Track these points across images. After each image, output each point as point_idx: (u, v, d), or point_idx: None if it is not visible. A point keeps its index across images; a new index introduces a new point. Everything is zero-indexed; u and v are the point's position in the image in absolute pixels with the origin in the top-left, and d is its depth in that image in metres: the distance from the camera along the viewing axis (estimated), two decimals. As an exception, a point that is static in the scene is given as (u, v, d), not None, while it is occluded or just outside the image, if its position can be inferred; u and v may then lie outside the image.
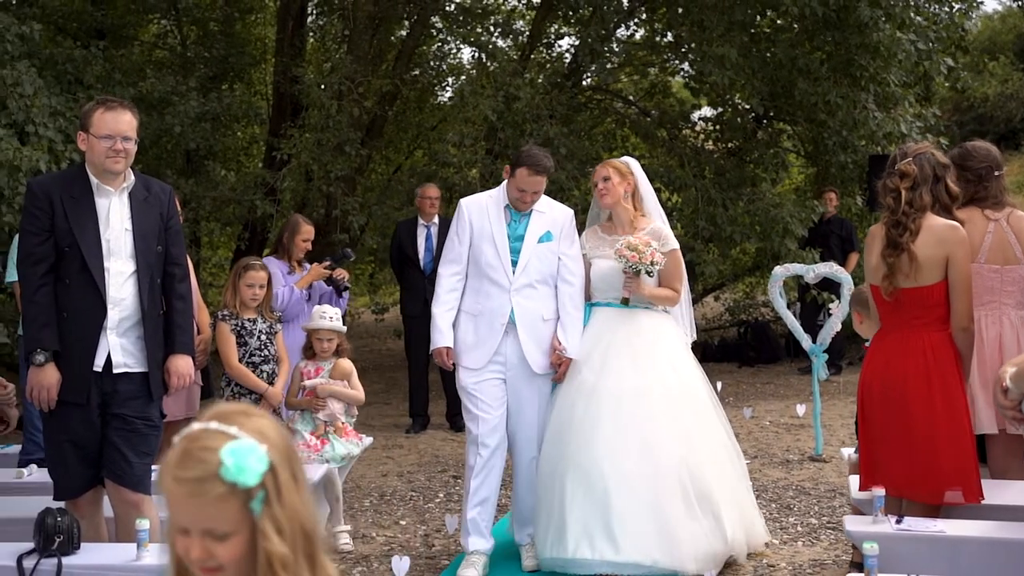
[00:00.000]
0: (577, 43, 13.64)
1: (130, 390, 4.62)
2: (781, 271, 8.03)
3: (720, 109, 14.08)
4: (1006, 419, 3.55)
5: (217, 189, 12.78)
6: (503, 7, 15.59)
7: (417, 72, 14.44)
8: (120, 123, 4.56)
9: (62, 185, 4.60)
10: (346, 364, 6.17)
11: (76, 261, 4.51)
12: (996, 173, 4.92)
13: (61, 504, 4.42)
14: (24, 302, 4.61)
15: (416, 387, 9.57)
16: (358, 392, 6.18)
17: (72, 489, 4.60)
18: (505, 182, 5.58)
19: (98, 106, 4.62)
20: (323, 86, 12.06)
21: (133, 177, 4.70)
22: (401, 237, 9.50)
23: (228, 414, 1.91)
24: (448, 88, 15.53)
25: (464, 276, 5.55)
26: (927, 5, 12.69)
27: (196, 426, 1.89)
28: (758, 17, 12.50)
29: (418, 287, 9.09)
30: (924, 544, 4.13)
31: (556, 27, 14.96)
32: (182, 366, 4.79)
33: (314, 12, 15.71)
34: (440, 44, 15.32)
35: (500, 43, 14.31)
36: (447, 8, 13.97)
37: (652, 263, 5.38)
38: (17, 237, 5.73)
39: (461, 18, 13.90)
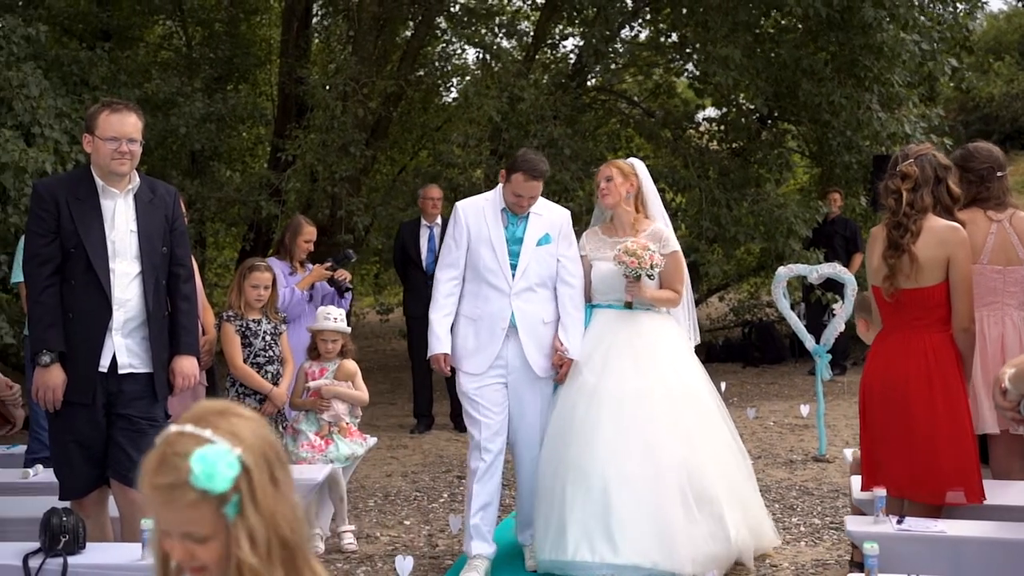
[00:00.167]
0: (581, 44, 13.65)
1: (135, 390, 4.65)
2: (785, 272, 8.04)
3: (724, 109, 14.06)
4: (1005, 420, 3.56)
5: (222, 190, 12.81)
6: (508, 8, 15.59)
7: (422, 73, 14.45)
8: (125, 125, 4.59)
9: (68, 187, 4.64)
10: (350, 365, 6.19)
11: (81, 262, 4.54)
12: (998, 174, 4.93)
13: (67, 504, 4.45)
14: (30, 303, 4.64)
15: (420, 387, 9.58)
16: (362, 393, 6.19)
17: (77, 489, 4.63)
18: (501, 185, 5.56)
19: (103, 108, 4.65)
20: (328, 87, 12.07)
21: (138, 179, 4.73)
22: (404, 238, 9.52)
23: (205, 416, 1.88)
24: (452, 89, 15.55)
25: (461, 280, 5.53)
26: (931, 5, 12.68)
27: (173, 428, 1.87)
28: (762, 18, 12.49)
29: (421, 287, 9.09)
30: (925, 544, 4.13)
31: (560, 28, 14.96)
32: (187, 367, 4.82)
33: (319, 13, 15.74)
34: (444, 45, 15.32)
35: (504, 44, 14.31)
36: (452, 9, 13.98)
37: (652, 266, 5.36)
38: (23, 238, 5.75)
39: (466, 19, 13.90)
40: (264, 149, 16.42)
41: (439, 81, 15.06)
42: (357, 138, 11.89)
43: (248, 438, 1.86)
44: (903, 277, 4.47)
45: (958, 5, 12.93)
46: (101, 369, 4.59)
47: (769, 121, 13.97)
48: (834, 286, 9.66)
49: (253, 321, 6.15)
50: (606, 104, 14.50)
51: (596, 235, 5.76)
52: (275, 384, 6.10)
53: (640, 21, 14.27)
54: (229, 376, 6.17)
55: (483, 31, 14.07)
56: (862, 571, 3.79)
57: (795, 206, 11.87)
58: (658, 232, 5.59)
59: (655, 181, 5.99)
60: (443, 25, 14.51)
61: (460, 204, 5.66)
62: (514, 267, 5.46)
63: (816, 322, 10.57)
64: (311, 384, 6.11)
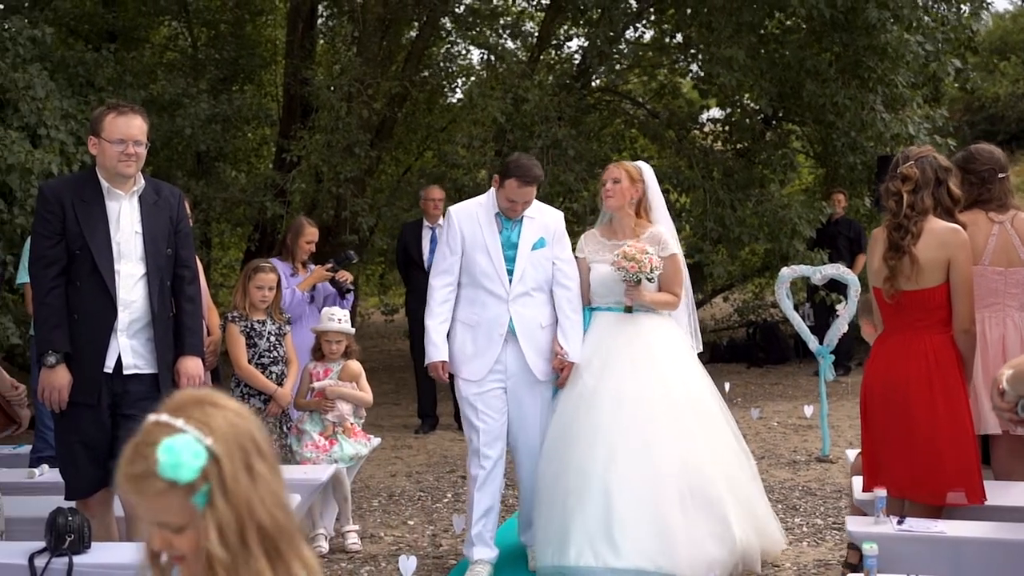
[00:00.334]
0: (586, 44, 13.66)
1: (140, 391, 4.67)
2: (788, 272, 8.05)
3: (728, 110, 14.09)
4: (1002, 421, 3.57)
5: (227, 190, 12.84)
6: (512, 9, 15.61)
7: (426, 74, 14.46)
8: (132, 127, 4.63)
9: (73, 189, 4.67)
10: (355, 366, 6.21)
11: (87, 264, 4.57)
12: (1000, 176, 4.93)
13: (72, 504, 4.47)
14: (36, 304, 4.67)
15: (424, 388, 9.59)
16: (366, 394, 6.22)
17: (83, 489, 4.65)
18: (494, 190, 5.51)
19: (109, 111, 4.68)
20: (333, 88, 12.10)
21: (143, 181, 4.76)
22: (406, 239, 9.54)
23: (181, 405, 1.87)
24: (457, 90, 15.57)
25: (456, 286, 5.51)
26: (935, 6, 12.68)
27: (150, 418, 1.86)
28: (766, 19, 12.50)
29: (423, 288, 9.02)
30: (925, 545, 4.14)
31: (565, 29, 14.96)
32: (191, 367, 4.85)
33: (324, 14, 15.76)
34: (449, 46, 15.34)
35: (509, 45, 14.33)
36: (456, 10, 14.00)
37: (652, 269, 5.32)
38: (29, 239, 5.79)
39: (470, 20, 13.92)
40: (269, 150, 16.46)
41: (444, 82, 15.06)
42: (362, 139, 11.92)
43: (221, 428, 1.83)
44: (904, 279, 4.48)
45: (962, 6, 12.92)
46: (106, 370, 4.61)
47: (773, 122, 13.98)
48: (838, 287, 9.68)
49: (258, 322, 6.18)
50: (610, 105, 14.51)
51: (595, 238, 5.72)
52: (279, 384, 6.14)
53: (644, 22, 14.28)
54: (234, 376, 6.20)
55: (487, 32, 14.10)
56: (856, 572, 3.80)
57: (799, 207, 11.88)
58: (657, 235, 5.55)
59: (659, 182, 5.95)
60: (448, 26, 14.55)
61: (453, 209, 5.62)
62: (510, 272, 5.44)
63: (822, 322, 10.57)
64: (316, 385, 6.14)
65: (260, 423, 1.93)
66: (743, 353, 14.06)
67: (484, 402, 5.45)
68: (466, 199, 5.94)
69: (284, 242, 7.67)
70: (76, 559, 4.01)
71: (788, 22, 12.95)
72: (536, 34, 14.81)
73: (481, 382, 5.45)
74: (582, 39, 14.39)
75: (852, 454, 5.73)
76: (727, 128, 14.29)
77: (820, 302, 11.55)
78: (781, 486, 7.18)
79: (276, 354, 6.20)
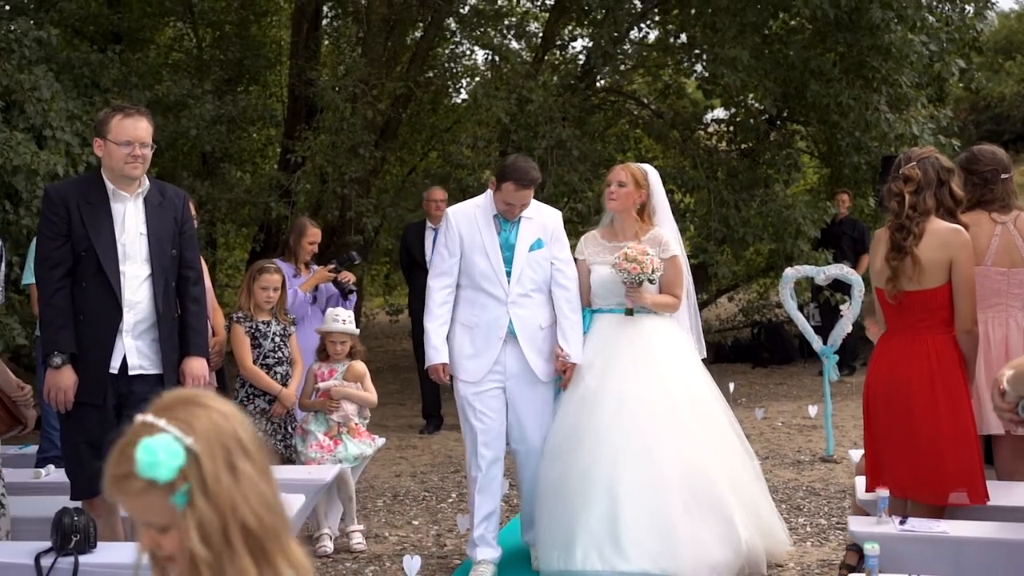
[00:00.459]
0: (590, 45, 13.66)
1: (145, 391, 4.68)
2: (792, 273, 8.05)
3: (733, 110, 14.09)
4: (1003, 421, 3.58)
5: (233, 191, 12.84)
6: (516, 9, 15.62)
7: (431, 74, 14.47)
8: (139, 129, 4.67)
9: (79, 190, 4.70)
10: (359, 366, 6.23)
11: (92, 265, 4.60)
12: (1003, 176, 4.95)
13: (78, 504, 4.49)
14: (41, 305, 4.70)
15: (429, 388, 9.59)
16: (371, 394, 6.24)
17: (88, 489, 4.67)
18: (491, 191, 5.51)
19: (115, 113, 4.71)
20: (337, 88, 12.11)
21: (148, 182, 4.79)
22: (409, 240, 9.56)
23: (167, 405, 1.86)
24: (462, 90, 15.58)
25: (455, 288, 5.50)
26: (939, 6, 12.67)
27: (137, 419, 1.86)
28: (770, 19, 12.50)
29: (426, 289, 9.11)
30: (927, 545, 4.15)
31: (569, 29, 14.98)
32: (196, 368, 4.88)
33: (329, 15, 15.77)
34: (454, 46, 15.35)
35: (513, 45, 14.34)
36: (461, 11, 14.01)
37: (653, 271, 5.31)
38: (35, 240, 5.81)
39: (475, 20, 13.93)
40: (274, 150, 16.47)
41: (448, 83, 15.08)
42: (366, 139, 11.93)
43: (203, 427, 1.83)
44: (906, 279, 4.49)
45: (966, 7, 12.92)
46: (112, 370, 4.65)
47: (778, 122, 13.98)
48: (842, 287, 9.68)
49: (263, 322, 6.21)
50: (615, 105, 14.51)
51: (595, 240, 5.70)
52: (284, 385, 6.16)
53: (649, 22, 14.28)
54: (239, 377, 6.22)
55: (492, 32, 14.11)
56: (854, 572, 3.81)
57: (803, 207, 11.88)
58: (658, 237, 5.53)
59: (664, 183, 5.92)
60: (452, 26, 14.55)
61: (451, 210, 5.61)
62: (509, 274, 5.43)
63: (828, 322, 10.57)
64: (320, 385, 6.15)
65: (249, 424, 1.91)
66: (748, 353, 14.07)
67: (482, 402, 5.44)
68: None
69: (287, 243, 7.68)
70: (82, 559, 4.03)
71: (792, 22, 12.95)
72: (540, 34, 14.80)
73: (479, 383, 5.45)
74: (586, 39, 14.39)
75: (856, 454, 5.74)
76: (731, 128, 14.30)
77: (825, 302, 11.56)
78: (785, 486, 7.18)
79: (281, 354, 6.22)
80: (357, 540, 6.02)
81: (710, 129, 15.06)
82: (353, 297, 7.51)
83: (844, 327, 7.94)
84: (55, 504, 4.37)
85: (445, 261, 5.50)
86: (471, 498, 5.50)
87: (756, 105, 13.46)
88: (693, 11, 12.85)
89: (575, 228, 10.24)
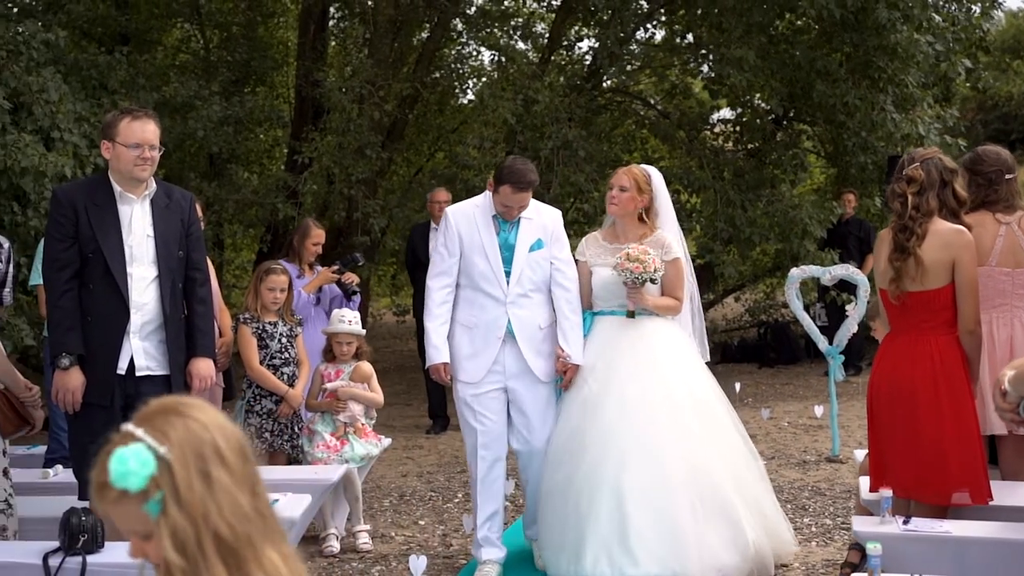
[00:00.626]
0: (596, 45, 13.67)
1: (152, 392, 4.65)
2: (797, 273, 8.06)
3: (739, 110, 14.08)
4: (1005, 421, 3.59)
5: (240, 192, 12.88)
6: (523, 10, 15.64)
7: (437, 75, 14.48)
8: (147, 132, 4.70)
9: (86, 192, 4.73)
10: (366, 367, 6.25)
11: (99, 266, 4.63)
12: (1007, 177, 4.95)
13: (85, 504, 4.51)
14: (49, 307, 4.73)
15: (434, 388, 9.59)
16: (378, 395, 6.26)
17: (96, 489, 4.69)
18: (489, 192, 5.49)
19: (124, 115, 4.74)
20: (344, 89, 12.13)
21: (154, 184, 4.82)
22: (414, 241, 9.58)
23: (148, 414, 1.89)
24: (468, 91, 15.59)
25: (454, 288, 5.49)
26: (945, 6, 12.66)
27: (122, 427, 1.89)
28: (776, 19, 12.50)
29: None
30: (930, 545, 4.16)
31: (575, 29, 14.98)
32: (203, 369, 4.90)
33: (335, 16, 15.80)
34: (460, 47, 15.36)
35: (520, 46, 14.35)
36: (467, 11, 14.02)
37: (655, 270, 5.29)
38: (42, 242, 5.85)
39: (481, 21, 13.94)
40: (281, 151, 16.50)
41: (455, 83, 15.09)
42: (373, 140, 11.95)
43: (178, 436, 1.84)
44: (909, 280, 4.50)
45: (973, 7, 12.90)
46: (119, 371, 4.68)
47: (784, 122, 13.97)
48: (848, 287, 9.68)
49: (269, 323, 6.24)
50: (621, 106, 14.51)
51: (596, 241, 5.69)
52: (291, 386, 6.19)
53: (655, 23, 14.28)
54: (245, 378, 6.25)
55: (498, 33, 14.12)
56: (856, 571, 3.82)
57: (809, 207, 11.87)
58: (660, 239, 5.51)
59: (670, 183, 5.91)
60: (459, 27, 14.56)
61: (450, 210, 5.59)
62: (508, 274, 5.42)
63: (836, 322, 10.56)
64: (327, 386, 6.18)
65: (236, 434, 1.90)
66: (754, 353, 14.06)
67: (481, 404, 5.44)
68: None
69: (291, 244, 7.70)
70: (90, 558, 4.05)
71: (798, 22, 12.95)
72: (547, 35, 14.82)
73: (479, 383, 5.44)
74: (593, 40, 14.40)
75: (861, 454, 5.74)
76: (738, 128, 14.29)
77: (831, 302, 11.55)
78: (791, 486, 7.19)
79: (288, 355, 6.25)
80: (363, 540, 6.04)
81: (716, 129, 15.06)
82: (357, 298, 7.52)
83: (849, 327, 7.94)
84: (63, 504, 4.40)
85: (444, 261, 5.49)
86: (473, 499, 5.52)
87: (762, 105, 13.47)
88: (699, 11, 12.86)
89: (581, 229, 10.27)
